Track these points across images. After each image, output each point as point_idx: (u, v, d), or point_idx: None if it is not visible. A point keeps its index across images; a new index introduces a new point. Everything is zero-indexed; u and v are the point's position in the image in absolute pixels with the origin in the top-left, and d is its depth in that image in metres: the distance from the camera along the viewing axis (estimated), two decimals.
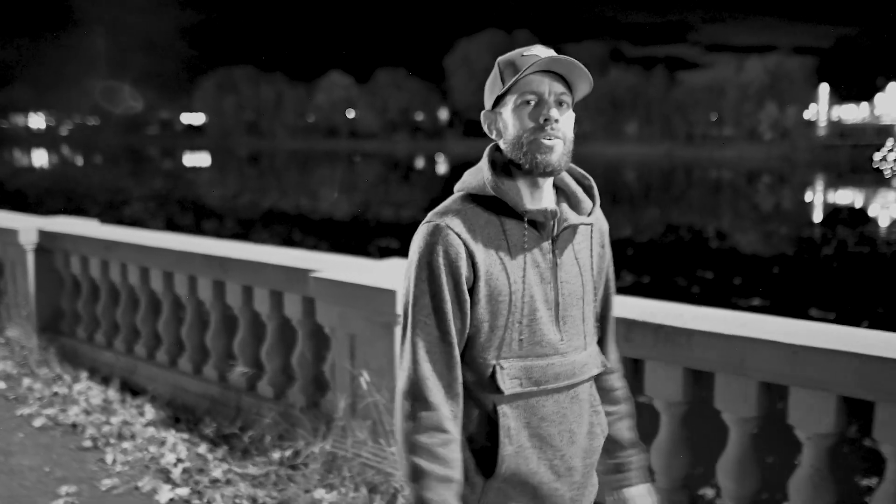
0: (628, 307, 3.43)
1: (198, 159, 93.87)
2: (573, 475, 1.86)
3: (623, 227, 26.06)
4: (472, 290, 1.76)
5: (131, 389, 5.78)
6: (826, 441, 3.06)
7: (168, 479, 4.42)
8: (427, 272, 1.75)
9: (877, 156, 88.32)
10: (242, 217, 30.82)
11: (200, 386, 5.34)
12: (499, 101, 1.82)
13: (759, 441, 3.32)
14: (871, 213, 36.10)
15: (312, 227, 26.98)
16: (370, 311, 4.02)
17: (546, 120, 1.73)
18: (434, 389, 1.74)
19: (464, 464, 1.79)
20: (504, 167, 1.82)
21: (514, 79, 1.73)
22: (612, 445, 2.05)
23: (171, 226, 23.97)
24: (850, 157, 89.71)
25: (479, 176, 1.81)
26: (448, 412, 1.74)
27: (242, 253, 5.12)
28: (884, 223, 31.07)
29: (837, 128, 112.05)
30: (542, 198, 1.82)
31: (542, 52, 1.77)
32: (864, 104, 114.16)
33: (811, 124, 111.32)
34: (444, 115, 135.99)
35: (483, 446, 1.80)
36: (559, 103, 1.76)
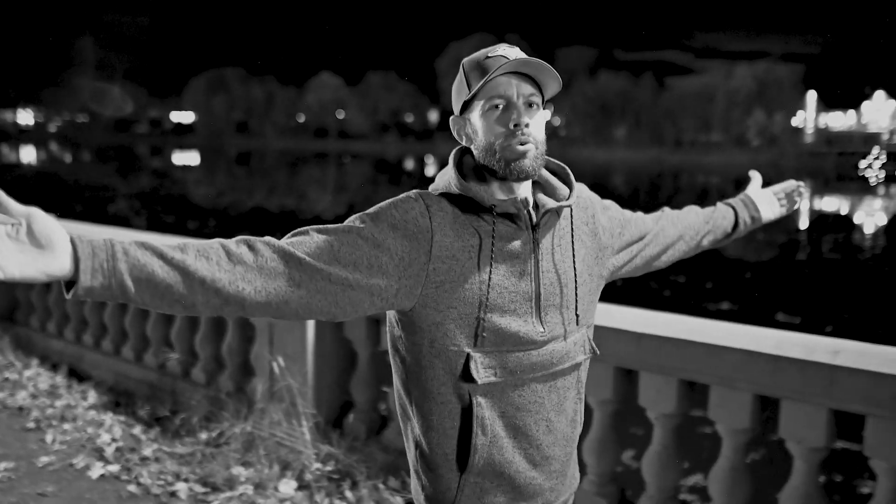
0: None
1: (187, 158, 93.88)
2: (551, 464, 1.83)
3: None
4: (428, 269, 1.67)
5: (78, 376, 6.11)
6: (672, 421, 3.41)
7: (101, 457, 4.74)
8: (373, 212, 1.70)
9: (862, 163, 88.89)
10: (227, 215, 31.10)
11: (140, 372, 5.68)
12: (466, 106, 1.77)
13: (620, 423, 3.67)
14: (856, 220, 36.22)
15: (293, 226, 27.22)
16: None
17: (517, 125, 1.69)
18: (266, 244, 1.60)
19: (437, 460, 1.77)
20: (476, 171, 1.78)
21: (479, 83, 1.68)
22: (725, 224, 2.24)
23: (154, 223, 24.25)
24: (837, 164, 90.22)
25: (445, 177, 1.78)
26: (257, 247, 1.59)
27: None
28: (868, 230, 31.33)
29: (824, 135, 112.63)
30: (516, 194, 1.78)
31: (507, 51, 1.72)
32: (852, 112, 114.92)
33: (798, 131, 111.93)
34: (434, 116, 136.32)
35: (457, 439, 1.75)
36: (528, 104, 1.71)
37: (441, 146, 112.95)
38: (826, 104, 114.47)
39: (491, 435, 1.73)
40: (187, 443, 4.85)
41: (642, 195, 50.94)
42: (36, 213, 1.38)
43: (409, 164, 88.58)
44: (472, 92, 1.70)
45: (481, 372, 1.70)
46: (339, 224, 1.68)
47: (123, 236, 5.06)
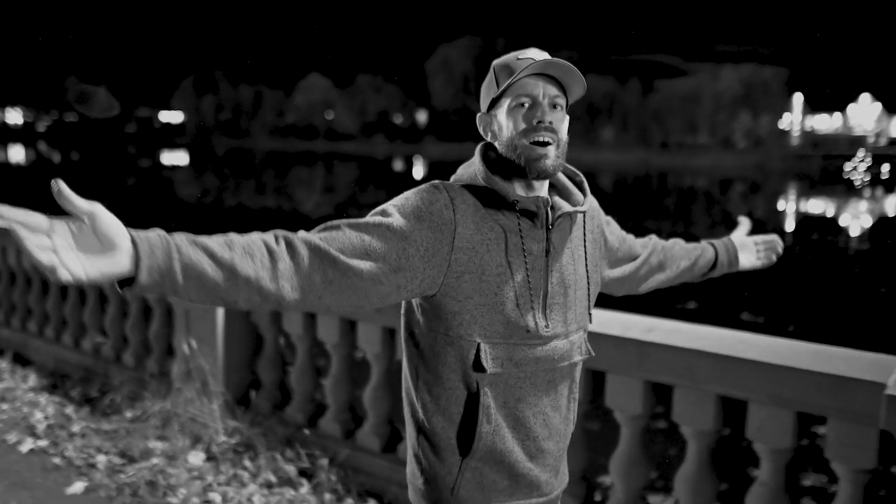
0: None
1: (176, 158, 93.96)
2: (546, 458, 1.89)
3: None
4: (451, 260, 1.72)
5: (24, 361, 6.50)
6: None
7: (33, 434, 5.12)
8: (399, 202, 1.74)
9: (847, 166, 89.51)
10: (210, 214, 31.40)
11: (78, 357, 6.07)
12: (494, 103, 1.83)
13: None
14: (841, 222, 36.33)
15: (279, 226, 27.57)
16: None
17: (539, 122, 1.74)
18: (309, 243, 1.62)
19: (441, 444, 1.83)
20: (498, 167, 1.82)
21: (508, 81, 1.75)
22: (704, 263, 2.33)
23: (136, 223, 24.51)
24: (822, 166, 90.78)
25: (471, 169, 1.83)
26: (296, 245, 1.62)
27: None
28: (854, 233, 31.48)
29: (810, 137, 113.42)
30: (535, 193, 1.84)
31: (536, 54, 1.78)
32: (838, 115, 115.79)
33: (785, 134, 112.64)
34: (422, 118, 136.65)
35: (461, 425, 1.81)
36: (553, 105, 1.77)
37: (429, 148, 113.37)
38: (812, 107, 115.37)
39: (495, 423, 1.80)
40: (113, 420, 5.24)
41: (629, 196, 51.22)
42: (99, 210, 1.35)
43: (398, 165, 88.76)
44: (501, 89, 1.77)
45: (490, 362, 1.76)
46: (369, 219, 1.70)
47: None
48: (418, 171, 76.69)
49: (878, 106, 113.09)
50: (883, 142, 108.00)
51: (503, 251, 1.75)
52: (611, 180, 66.52)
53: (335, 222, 1.69)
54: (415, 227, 1.69)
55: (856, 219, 37.78)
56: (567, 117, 1.82)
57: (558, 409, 1.89)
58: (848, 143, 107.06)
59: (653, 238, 2.27)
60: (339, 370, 4.45)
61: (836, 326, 13.57)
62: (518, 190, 1.80)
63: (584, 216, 1.93)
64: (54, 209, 1.34)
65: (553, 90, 1.77)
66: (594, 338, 3.34)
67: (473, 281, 1.73)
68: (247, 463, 4.49)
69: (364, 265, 1.64)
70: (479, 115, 1.90)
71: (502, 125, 1.80)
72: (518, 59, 1.77)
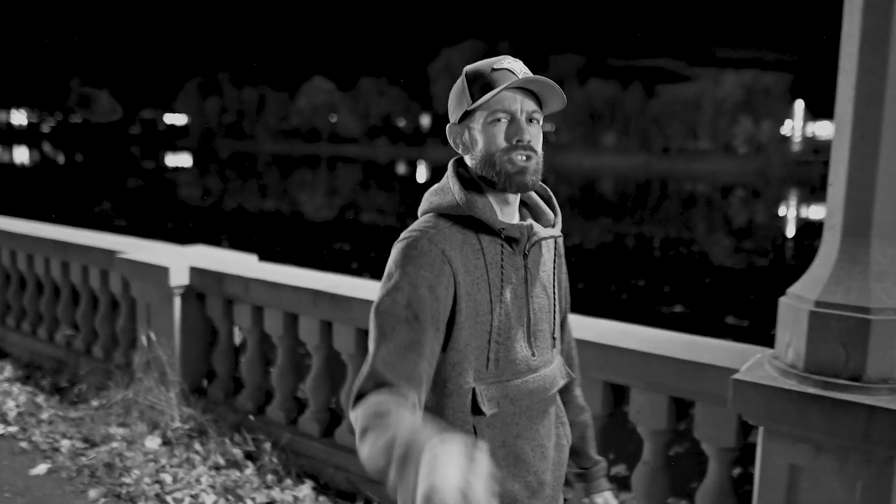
0: (312, 279, 4.53)
1: (179, 160, 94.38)
2: (545, 489, 1.85)
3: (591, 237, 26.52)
4: (454, 311, 1.69)
5: (1, 354, 6.83)
6: None
7: (4, 420, 5.45)
8: (406, 283, 1.65)
9: None
10: (208, 217, 31.72)
11: (51, 350, 6.40)
12: (466, 115, 1.76)
13: None
14: None
15: (281, 228, 27.99)
16: (155, 284, 5.09)
17: (519, 141, 1.69)
18: (394, 388, 1.57)
19: None
20: (470, 182, 1.77)
21: (486, 97, 1.68)
22: (577, 454, 2.09)
23: (134, 224, 24.85)
24: (823, 172, 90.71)
25: (447, 195, 1.76)
26: (404, 392, 1.58)
27: (81, 238, 6.20)
28: None
29: (811, 144, 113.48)
30: (510, 212, 1.80)
31: (512, 64, 1.72)
32: None
33: (786, 140, 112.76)
34: (425, 121, 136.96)
35: None
36: (529, 120, 1.72)
37: (432, 151, 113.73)
38: (813, 113, 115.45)
39: (492, 466, 1.71)
40: (80, 408, 5.56)
41: (630, 201, 51.27)
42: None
43: (401, 169, 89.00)
44: (477, 103, 1.69)
45: (486, 404, 1.72)
46: (405, 335, 1.62)
47: (10, 225, 5.69)
48: (421, 175, 76.92)
49: None
50: None
51: (487, 287, 1.72)
52: (612, 185, 66.69)
53: (400, 362, 1.61)
54: (430, 301, 1.65)
55: None
56: (541, 130, 1.78)
57: (550, 436, 1.87)
58: None
59: (578, 376, 2.16)
60: (285, 361, 4.78)
61: None
62: (496, 207, 1.76)
63: (556, 240, 1.91)
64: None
65: (531, 105, 1.72)
66: None
67: (470, 326, 1.71)
68: (198, 447, 4.81)
69: (423, 365, 1.64)
70: (449, 125, 1.83)
71: (477, 140, 1.74)
72: (493, 69, 1.71)
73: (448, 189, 1.77)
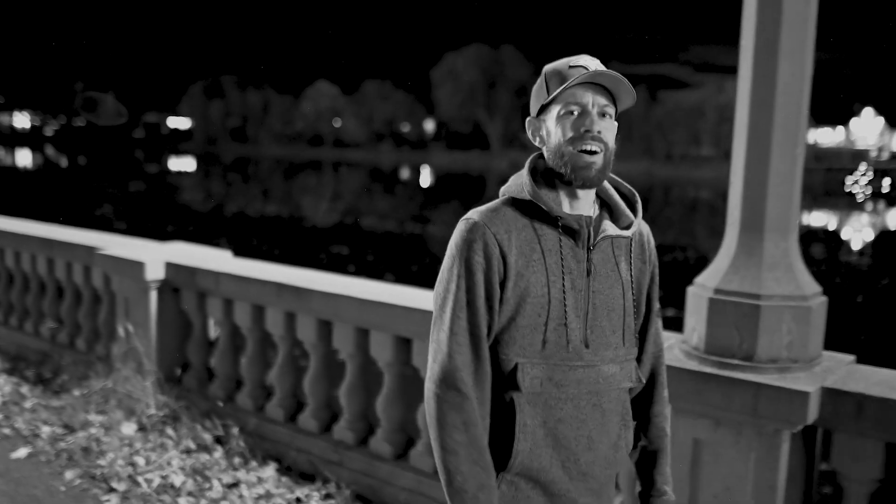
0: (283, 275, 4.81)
1: (183, 164, 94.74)
2: (588, 481, 1.87)
3: None
4: (503, 288, 1.80)
5: None
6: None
7: None
8: (464, 268, 1.79)
9: (849, 179, 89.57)
10: (209, 221, 31.99)
11: (37, 343, 6.67)
12: (543, 109, 1.86)
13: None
14: (843, 236, 36.40)
15: (285, 232, 28.27)
16: (132, 278, 5.36)
17: (587, 130, 1.77)
18: (467, 379, 1.78)
19: None
20: (546, 175, 1.86)
21: (559, 89, 1.78)
22: (643, 476, 2.07)
23: (135, 227, 25.12)
24: (825, 180, 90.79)
25: (518, 180, 1.86)
26: (477, 399, 1.79)
27: (65, 235, 6.49)
28: (856, 246, 31.75)
29: (813, 151, 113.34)
30: (581, 207, 1.86)
31: (588, 62, 1.81)
32: (841, 128, 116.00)
33: None
34: (429, 126, 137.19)
35: (500, 439, 1.84)
36: (602, 115, 1.80)
37: (435, 156, 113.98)
38: (815, 120, 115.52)
39: (531, 441, 1.81)
40: (63, 398, 5.83)
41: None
42: None
43: (405, 174, 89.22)
44: (551, 96, 1.80)
45: (527, 381, 1.80)
46: (466, 321, 1.81)
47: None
48: (425, 180, 77.12)
49: (881, 120, 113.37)
50: (885, 156, 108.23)
51: (544, 271, 1.80)
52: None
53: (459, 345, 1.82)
54: (484, 282, 1.80)
55: (857, 232, 38.04)
56: (616, 125, 1.86)
57: (606, 433, 1.88)
58: (851, 157, 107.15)
59: (662, 402, 2.10)
60: (254, 351, 5.04)
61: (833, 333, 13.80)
62: (563, 200, 1.85)
63: (632, 241, 1.92)
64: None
65: (602, 99, 1.80)
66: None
67: (519, 304, 1.80)
68: (171, 432, 5.08)
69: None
70: (528, 118, 1.93)
71: (551, 131, 1.84)
72: (570, 66, 1.81)
73: (521, 175, 1.87)
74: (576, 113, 1.79)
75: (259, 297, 4.80)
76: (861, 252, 29.82)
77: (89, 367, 5.98)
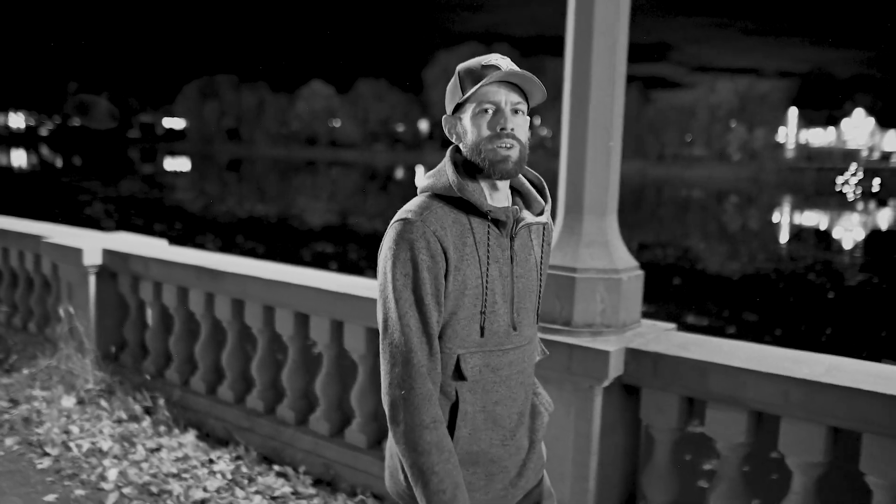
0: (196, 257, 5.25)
1: (178, 164, 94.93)
2: (522, 453, 2.03)
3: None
4: (445, 283, 1.85)
5: None
6: (330, 351, 4.86)
7: None
8: (409, 267, 1.81)
9: (840, 179, 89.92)
10: (214, 220, 32.29)
11: None
12: (458, 107, 1.92)
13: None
14: (834, 235, 36.49)
15: (280, 234, 28.59)
16: (72, 263, 5.81)
17: (502, 129, 1.84)
18: (425, 376, 1.82)
19: None
20: (464, 168, 1.92)
21: (473, 89, 1.84)
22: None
23: (124, 226, 25.40)
24: (816, 179, 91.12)
25: (443, 178, 1.91)
26: (435, 396, 1.84)
27: (16, 226, 6.94)
28: (847, 245, 31.71)
29: (805, 151, 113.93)
30: (500, 197, 1.95)
31: (499, 61, 1.87)
32: (832, 129, 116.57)
33: (779, 147, 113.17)
34: (423, 126, 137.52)
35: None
36: (514, 111, 1.87)
37: (430, 156, 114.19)
38: (807, 121, 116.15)
39: (471, 427, 1.92)
40: (13, 376, 6.28)
41: (627, 206, 51.37)
42: None
43: (399, 174, 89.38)
44: (465, 96, 1.86)
45: (469, 370, 1.89)
46: (418, 318, 1.84)
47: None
48: (420, 180, 77.07)
49: (871, 121, 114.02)
50: (876, 156, 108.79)
51: (477, 263, 1.88)
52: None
53: (416, 344, 1.84)
54: (430, 279, 1.83)
55: (848, 231, 38.22)
56: (528, 119, 1.91)
57: (527, 405, 2.05)
58: (842, 157, 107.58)
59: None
60: (181, 329, 5.50)
61: (826, 333, 13.96)
62: (486, 191, 1.92)
63: (544, 226, 2.06)
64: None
65: (515, 97, 1.87)
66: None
67: (457, 298, 1.86)
68: (105, 404, 5.53)
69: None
70: (444, 117, 2.00)
71: (467, 129, 1.90)
72: (483, 66, 1.87)
73: (443, 172, 1.92)
74: (490, 111, 1.86)
75: (183, 279, 5.25)
76: (852, 251, 29.83)
77: (38, 348, 6.43)
